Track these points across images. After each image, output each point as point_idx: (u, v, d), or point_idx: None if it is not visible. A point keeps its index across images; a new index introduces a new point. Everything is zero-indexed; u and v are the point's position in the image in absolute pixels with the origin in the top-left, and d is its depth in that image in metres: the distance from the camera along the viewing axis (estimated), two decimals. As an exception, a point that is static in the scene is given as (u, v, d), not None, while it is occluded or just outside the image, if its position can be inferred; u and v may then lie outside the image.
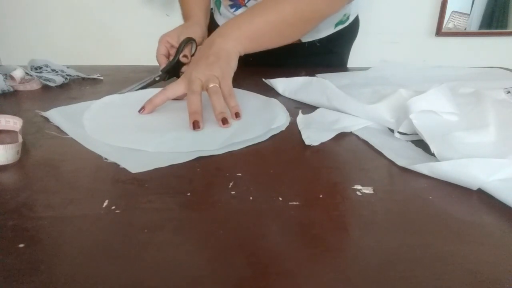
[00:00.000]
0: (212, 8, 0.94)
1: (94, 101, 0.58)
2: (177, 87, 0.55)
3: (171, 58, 0.71)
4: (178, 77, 0.70)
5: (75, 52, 1.35)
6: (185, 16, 0.79)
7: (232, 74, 0.57)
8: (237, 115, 0.52)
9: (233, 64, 0.58)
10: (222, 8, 0.86)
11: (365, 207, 0.34)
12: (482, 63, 0.85)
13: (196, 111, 0.49)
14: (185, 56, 0.70)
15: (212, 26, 0.92)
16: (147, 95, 0.57)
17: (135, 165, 0.39)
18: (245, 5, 0.80)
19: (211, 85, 0.52)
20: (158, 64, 0.70)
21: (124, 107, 0.57)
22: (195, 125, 0.48)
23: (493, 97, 0.52)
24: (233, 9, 0.83)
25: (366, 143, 0.47)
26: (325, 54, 0.87)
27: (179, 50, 0.69)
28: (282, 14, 0.64)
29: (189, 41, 0.70)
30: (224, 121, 0.49)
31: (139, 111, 0.53)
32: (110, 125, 0.50)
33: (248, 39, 0.61)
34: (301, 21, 0.67)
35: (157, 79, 0.67)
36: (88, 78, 0.72)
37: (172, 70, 0.69)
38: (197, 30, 0.73)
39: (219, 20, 0.89)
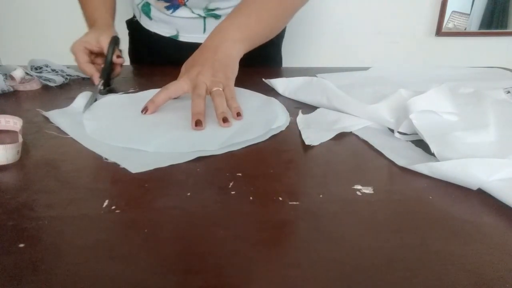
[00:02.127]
0: (133, 18, 0.90)
1: (83, 93, 0.58)
2: (179, 86, 0.55)
3: (97, 65, 0.66)
4: (109, 79, 0.66)
5: (75, 52, 1.35)
6: (91, 17, 0.73)
7: (234, 79, 0.58)
8: (238, 114, 0.52)
9: (236, 69, 0.59)
10: (154, 12, 0.82)
11: (365, 207, 0.34)
12: (482, 63, 0.85)
13: (200, 112, 0.50)
14: (118, 56, 0.67)
15: (138, 35, 0.88)
16: (147, 95, 0.58)
17: (135, 165, 0.39)
18: (184, 4, 0.77)
19: (214, 89, 0.53)
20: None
21: (124, 107, 0.57)
22: (198, 123, 0.48)
23: (493, 97, 0.52)
24: (171, 10, 0.79)
25: (366, 143, 0.47)
26: (266, 45, 0.81)
27: (110, 51, 0.64)
28: (271, 10, 0.64)
29: (116, 40, 0.66)
30: (225, 120, 0.49)
31: (142, 112, 0.53)
32: (110, 125, 0.50)
33: (249, 40, 0.62)
34: (285, 15, 0.68)
35: (101, 88, 0.62)
36: (88, 78, 0.72)
37: (106, 75, 0.64)
38: (113, 32, 0.69)
39: (150, 25, 0.85)
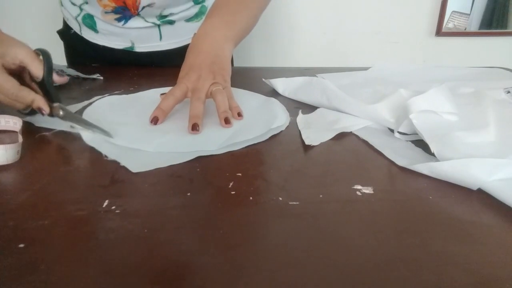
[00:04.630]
0: (68, 29, 0.82)
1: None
2: (183, 91, 0.54)
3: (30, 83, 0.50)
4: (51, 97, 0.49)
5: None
6: None
7: (230, 81, 0.58)
8: (239, 114, 0.52)
9: (230, 71, 0.59)
10: (101, 25, 0.77)
11: (365, 207, 0.34)
12: (482, 63, 0.85)
13: (198, 116, 0.49)
14: (59, 73, 0.53)
15: (80, 48, 0.82)
16: (147, 95, 0.58)
17: (136, 165, 0.39)
18: (138, 14, 0.74)
19: (215, 88, 0.53)
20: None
21: (125, 107, 0.56)
22: (194, 127, 0.48)
23: (493, 97, 0.52)
24: (122, 22, 0.75)
25: (366, 143, 0.47)
26: None
27: (46, 70, 0.48)
28: (249, 8, 0.65)
29: (48, 55, 0.50)
30: (227, 121, 0.49)
31: (151, 122, 0.50)
32: (110, 125, 0.50)
33: (237, 38, 0.62)
34: (258, 14, 0.68)
35: (63, 113, 0.48)
36: (88, 78, 0.72)
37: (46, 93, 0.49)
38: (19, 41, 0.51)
39: (97, 39, 0.80)
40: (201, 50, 0.58)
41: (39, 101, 0.47)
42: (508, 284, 0.26)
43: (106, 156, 0.41)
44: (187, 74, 0.55)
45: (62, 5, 0.81)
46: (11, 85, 0.46)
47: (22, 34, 0.54)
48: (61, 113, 0.48)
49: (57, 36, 0.86)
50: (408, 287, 0.25)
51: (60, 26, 0.86)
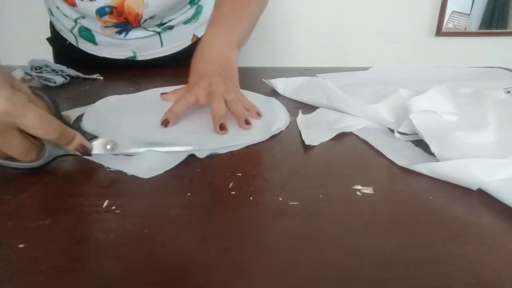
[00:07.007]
0: (62, 39, 0.82)
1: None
2: (196, 98, 0.53)
3: None
4: None
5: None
6: None
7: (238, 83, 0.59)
8: (258, 114, 0.53)
9: (238, 75, 0.60)
10: (100, 38, 0.76)
11: (365, 207, 0.34)
12: (482, 63, 0.85)
13: (222, 116, 0.50)
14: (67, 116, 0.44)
15: (78, 58, 0.80)
16: (147, 95, 0.57)
17: (144, 170, 0.39)
18: (139, 26, 0.74)
19: (229, 98, 0.53)
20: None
21: (125, 107, 0.56)
22: (222, 127, 0.48)
23: (493, 97, 0.52)
24: (123, 34, 0.76)
25: (366, 143, 0.47)
26: None
27: (54, 107, 0.38)
28: (248, 12, 0.66)
29: (50, 97, 0.38)
30: (247, 122, 0.50)
31: (162, 125, 0.49)
32: (109, 124, 0.50)
33: (238, 44, 0.64)
34: (258, 14, 0.70)
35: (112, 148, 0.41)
36: (88, 78, 0.72)
37: None
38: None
39: (97, 51, 0.80)
40: (208, 58, 0.59)
41: (81, 137, 0.38)
42: (508, 284, 0.26)
43: (108, 168, 0.39)
44: (197, 82, 0.55)
45: (52, 15, 0.80)
46: (56, 123, 0.36)
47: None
48: (108, 147, 0.40)
49: (44, 40, 0.85)
50: (408, 287, 0.25)
51: (46, 29, 0.85)
